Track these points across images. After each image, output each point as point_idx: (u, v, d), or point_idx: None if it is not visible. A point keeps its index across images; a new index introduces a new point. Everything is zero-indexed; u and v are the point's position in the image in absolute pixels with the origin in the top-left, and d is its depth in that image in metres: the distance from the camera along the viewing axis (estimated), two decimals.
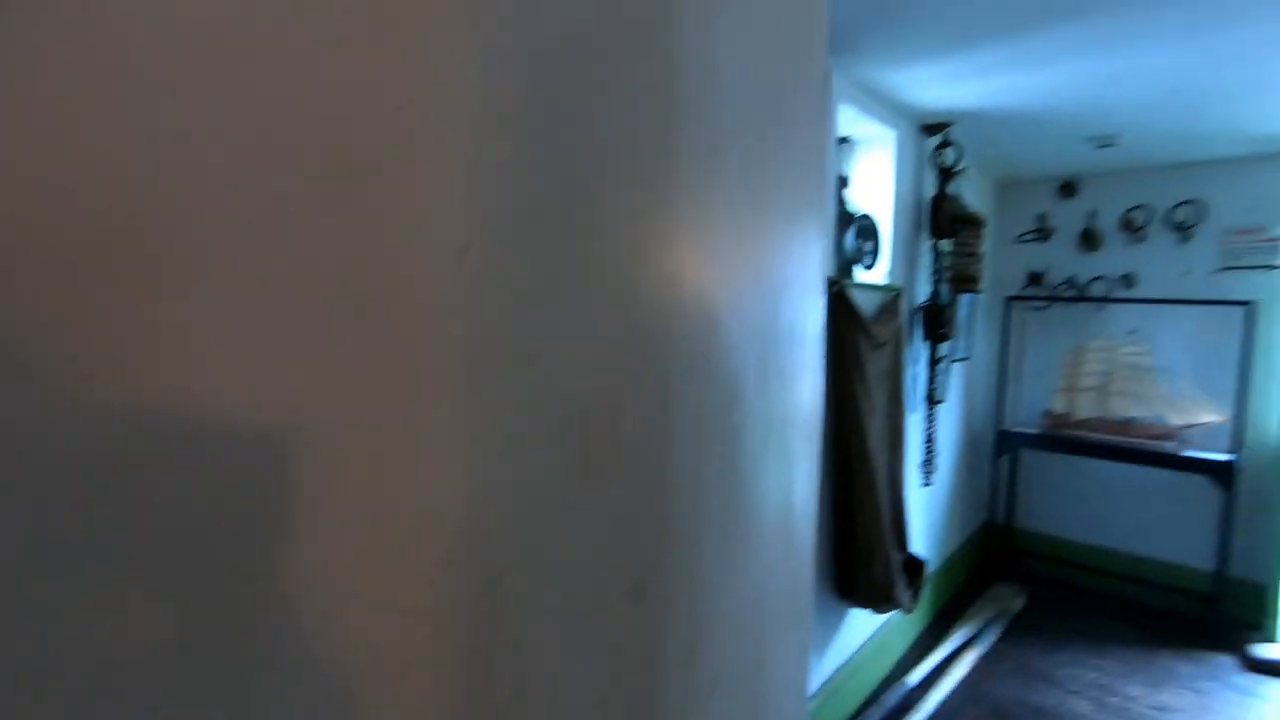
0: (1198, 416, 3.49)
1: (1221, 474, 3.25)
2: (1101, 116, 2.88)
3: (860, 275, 2.70)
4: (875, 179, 2.81)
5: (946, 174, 2.97)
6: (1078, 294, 4.00)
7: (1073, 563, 4.07)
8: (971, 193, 3.78)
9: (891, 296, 2.77)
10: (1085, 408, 3.74)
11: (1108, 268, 3.91)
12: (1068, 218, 4.04)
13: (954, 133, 2.97)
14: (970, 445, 4.13)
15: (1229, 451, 3.36)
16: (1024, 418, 4.20)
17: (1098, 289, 3.94)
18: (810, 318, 0.87)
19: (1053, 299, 4.06)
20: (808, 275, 0.84)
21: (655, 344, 0.68)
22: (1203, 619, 3.45)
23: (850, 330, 2.40)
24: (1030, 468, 4.25)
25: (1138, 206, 3.79)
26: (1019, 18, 1.92)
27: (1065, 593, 3.88)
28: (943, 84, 2.48)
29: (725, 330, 0.75)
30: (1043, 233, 4.12)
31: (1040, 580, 4.01)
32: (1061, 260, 4.07)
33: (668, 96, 0.67)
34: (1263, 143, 3.23)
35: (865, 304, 2.58)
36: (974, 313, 3.86)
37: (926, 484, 3.17)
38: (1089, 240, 3.95)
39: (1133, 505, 3.91)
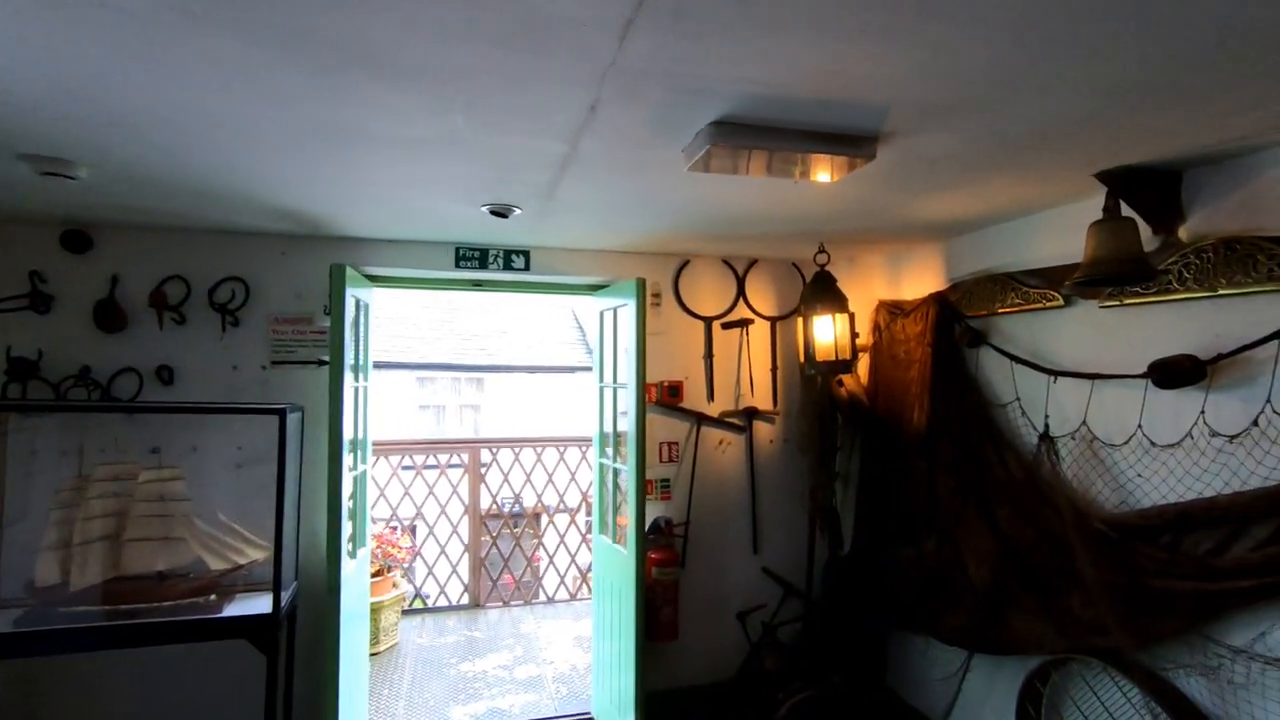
0: (245, 554, 2.73)
1: (260, 633, 2.51)
2: (27, 120, 1.71)
3: None
4: None
5: None
6: (100, 395, 2.76)
7: None
8: None
9: None
10: (93, 570, 2.48)
11: (139, 357, 2.82)
12: (80, 282, 2.78)
13: None
14: None
15: (286, 584, 2.70)
16: (9, 595, 2.63)
17: (127, 386, 2.80)
18: None
19: (58, 406, 2.69)
20: None
21: None
22: None
23: None
24: None
25: (175, 277, 2.86)
26: None
27: None
28: None
29: None
30: (39, 300, 2.72)
31: None
32: (72, 343, 2.76)
33: None
34: (298, 221, 2.76)
35: None
36: None
37: None
38: (111, 316, 2.78)
39: (173, 689, 2.86)
